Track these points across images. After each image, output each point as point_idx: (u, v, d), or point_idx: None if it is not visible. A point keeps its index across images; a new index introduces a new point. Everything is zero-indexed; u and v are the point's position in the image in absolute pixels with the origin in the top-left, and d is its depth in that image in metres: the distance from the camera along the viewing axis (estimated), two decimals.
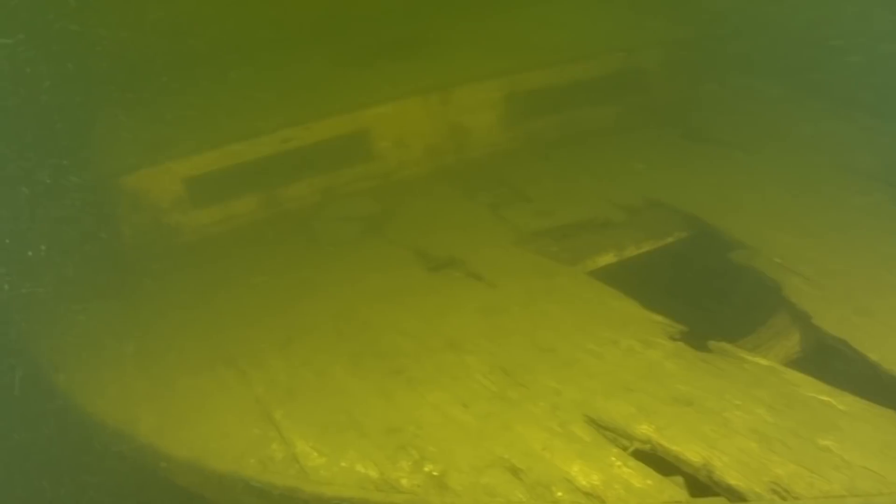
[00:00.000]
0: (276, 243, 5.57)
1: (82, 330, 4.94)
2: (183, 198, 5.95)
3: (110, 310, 5.09)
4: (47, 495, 4.82)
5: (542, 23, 7.55)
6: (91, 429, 4.20)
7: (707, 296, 4.97)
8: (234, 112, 6.38)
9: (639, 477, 3.08)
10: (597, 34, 7.36)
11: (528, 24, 7.52)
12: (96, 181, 5.85)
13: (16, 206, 5.81)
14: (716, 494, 3.03)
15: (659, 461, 3.19)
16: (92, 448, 4.22)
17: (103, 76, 6.75)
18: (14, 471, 4.99)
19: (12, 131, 5.83)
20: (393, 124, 6.31)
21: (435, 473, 3.20)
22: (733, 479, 3.03)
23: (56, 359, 4.76)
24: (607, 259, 5.04)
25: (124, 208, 5.88)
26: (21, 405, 4.83)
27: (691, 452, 3.17)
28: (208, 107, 6.57)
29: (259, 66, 7.13)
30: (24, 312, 5.45)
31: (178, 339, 4.58)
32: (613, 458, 3.17)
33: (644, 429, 3.30)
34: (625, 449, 3.23)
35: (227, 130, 6.09)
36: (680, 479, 3.09)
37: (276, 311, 4.65)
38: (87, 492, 4.71)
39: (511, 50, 7.02)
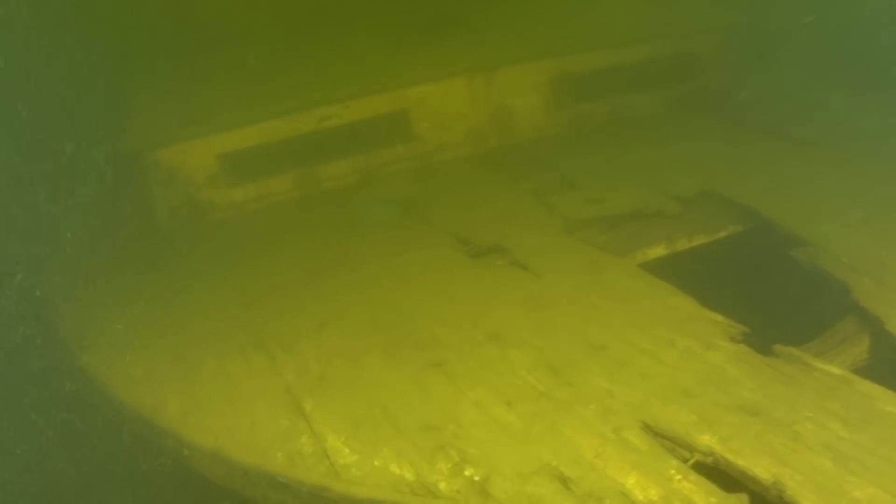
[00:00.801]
0: (312, 224, 5.29)
1: (109, 308, 4.69)
2: (217, 174, 5.70)
3: (139, 288, 4.84)
4: (65, 477, 4.59)
5: (591, 4, 7.14)
6: (113, 411, 3.95)
7: (764, 295, 4.58)
8: (273, 88, 6.10)
9: (701, 493, 2.73)
10: (646, 17, 6.94)
11: (575, 5, 7.12)
12: (131, 154, 5.61)
13: (46, 179, 5.59)
14: None
15: (722, 476, 2.85)
16: (114, 431, 3.96)
17: (143, 46, 6.50)
18: (32, 449, 4.76)
19: (44, 100, 5.59)
20: (435, 104, 6.00)
21: (476, 478, 2.88)
22: (807, 500, 2.67)
23: (81, 337, 4.52)
24: (658, 252, 4.68)
25: (158, 183, 5.64)
26: (42, 383, 4.59)
27: (759, 468, 2.81)
28: (247, 82, 6.29)
29: (300, 42, 6.83)
30: (50, 287, 5.23)
31: (208, 319, 4.32)
32: (673, 471, 2.83)
33: (706, 439, 2.95)
34: (685, 461, 2.89)
35: (265, 106, 5.82)
36: (745, 498, 2.74)
37: (310, 293, 4.36)
38: (107, 475, 4.45)
39: (558, 31, 6.65)
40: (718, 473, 2.86)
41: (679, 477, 2.81)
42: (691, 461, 2.89)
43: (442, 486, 2.87)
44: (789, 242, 4.47)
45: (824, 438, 2.94)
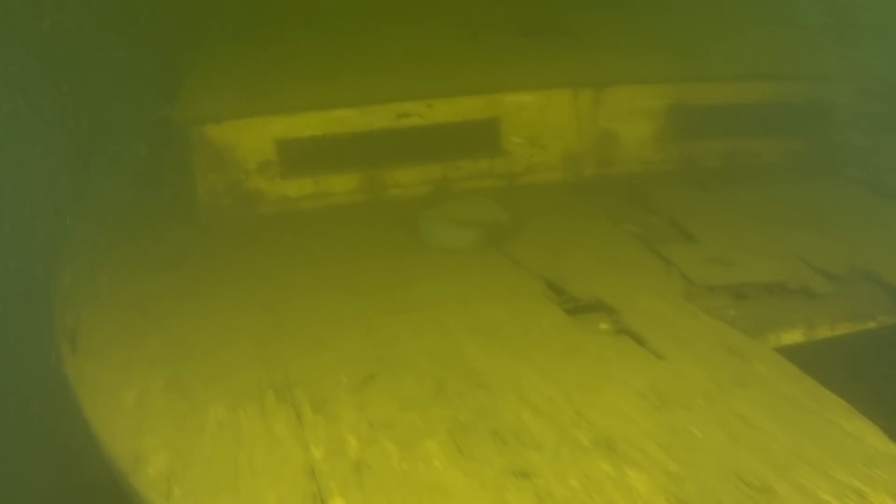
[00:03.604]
0: (372, 237, 4.18)
1: (116, 303, 3.64)
2: (273, 161, 4.62)
3: (156, 283, 3.79)
4: None
5: (712, 27, 5.96)
6: (87, 445, 2.87)
7: None
8: (349, 73, 5.01)
9: None
10: (776, 53, 5.72)
11: (694, 27, 5.94)
12: (177, 125, 4.56)
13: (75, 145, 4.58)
14: None
15: None
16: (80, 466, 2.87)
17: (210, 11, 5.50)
18: None
19: (84, 58, 4.58)
20: (531, 117, 4.85)
21: None
22: None
23: (74, 334, 3.47)
24: (793, 337, 3.48)
25: (203, 162, 4.58)
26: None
27: None
28: (320, 62, 5.23)
29: (386, 28, 5.78)
30: (60, 267, 4.21)
31: (227, 341, 3.22)
32: None
33: None
34: None
35: (337, 93, 4.73)
36: None
37: (358, 330, 3.24)
38: None
39: (674, 53, 5.46)
40: None
41: None
42: None
43: None
44: None
45: None
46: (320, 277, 3.71)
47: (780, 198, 4.75)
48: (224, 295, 3.63)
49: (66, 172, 4.67)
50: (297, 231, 4.35)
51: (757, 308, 3.55)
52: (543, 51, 5.20)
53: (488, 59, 5.17)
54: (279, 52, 5.48)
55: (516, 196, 4.65)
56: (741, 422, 2.59)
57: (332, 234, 4.23)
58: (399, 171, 4.74)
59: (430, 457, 2.44)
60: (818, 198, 4.79)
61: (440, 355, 2.99)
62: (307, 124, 4.60)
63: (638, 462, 2.38)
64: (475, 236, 3.93)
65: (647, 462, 2.38)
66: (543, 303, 3.39)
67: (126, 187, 4.99)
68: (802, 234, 4.19)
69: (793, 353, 3.34)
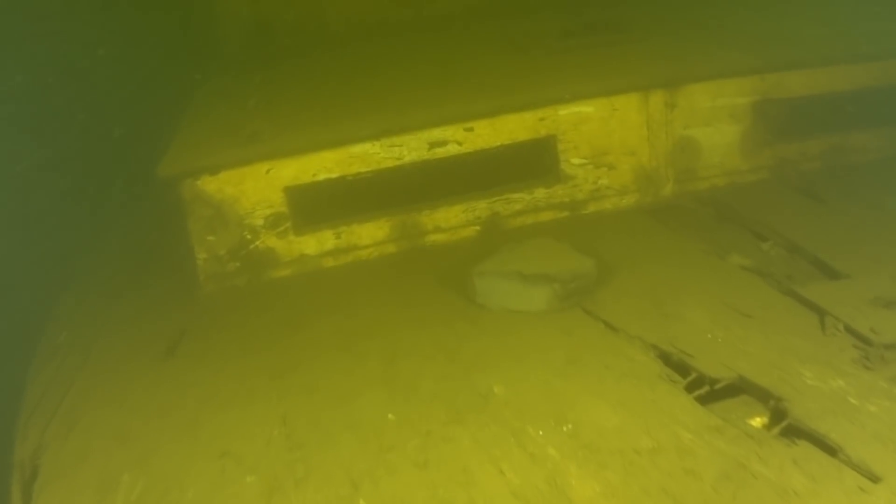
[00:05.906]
0: (414, 302, 3.14)
1: (92, 422, 2.67)
2: (283, 214, 3.63)
3: (141, 388, 2.80)
4: None
5: (792, 9, 4.86)
6: None
7: None
8: (368, 102, 3.99)
9: None
10: (870, 32, 4.59)
11: (771, 12, 4.84)
12: (166, 180, 3.59)
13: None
14: None
15: None
16: None
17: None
18: None
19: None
20: (592, 131, 3.80)
21: None
22: None
23: (33, 478, 2.49)
24: None
25: (199, 222, 3.60)
26: None
27: None
28: (333, 94, 4.23)
29: (408, 49, 4.78)
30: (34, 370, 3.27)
31: (226, 486, 2.20)
32: None
33: None
34: None
35: (355, 124, 3.70)
36: None
37: (410, 454, 2.20)
38: None
39: (757, 39, 4.38)
40: None
41: None
42: None
43: None
44: None
45: None
46: (351, 367, 2.68)
47: None
48: (225, 404, 2.62)
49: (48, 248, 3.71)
50: (318, 299, 3.34)
51: None
52: (599, 52, 4.15)
53: (534, 68, 4.12)
54: (283, 85, 4.51)
55: (584, 229, 3.59)
56: None
57: (362, 302, 3.20)
58: (438, 213, 3.71)
59: None
60: None
61: (536, 497, 1.92)
62: (322, 165, 3.61)
63: None
64: (550, 294, 2.87)
65: None
66: (665, 390, 2.31)
67: (115, 259, 4.03)
68: None
69: None
